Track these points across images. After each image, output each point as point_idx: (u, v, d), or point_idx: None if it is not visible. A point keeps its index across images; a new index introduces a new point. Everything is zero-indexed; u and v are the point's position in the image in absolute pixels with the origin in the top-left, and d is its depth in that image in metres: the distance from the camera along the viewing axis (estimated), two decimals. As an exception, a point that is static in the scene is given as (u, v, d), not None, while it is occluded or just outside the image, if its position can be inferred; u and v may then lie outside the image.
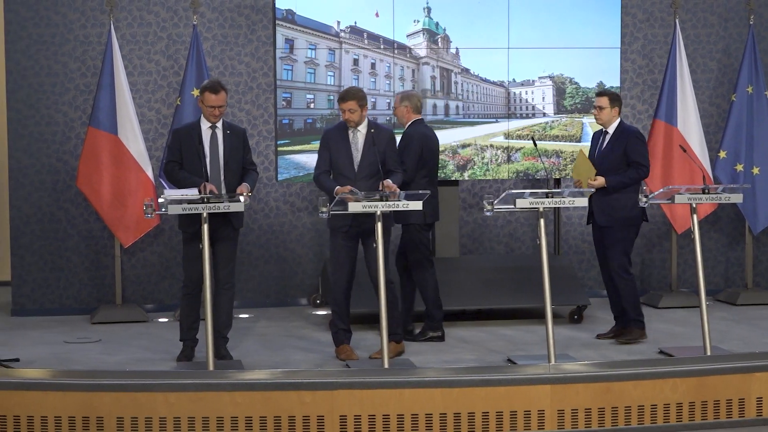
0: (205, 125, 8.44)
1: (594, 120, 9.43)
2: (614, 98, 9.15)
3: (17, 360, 8.38)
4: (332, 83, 10.05)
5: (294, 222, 10.94)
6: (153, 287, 10.75)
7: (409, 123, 9.17)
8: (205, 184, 8.11)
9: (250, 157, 8.66)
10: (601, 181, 8.95)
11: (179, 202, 7.78)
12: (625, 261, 9.16)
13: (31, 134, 10.50)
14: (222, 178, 8.33)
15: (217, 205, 7.82)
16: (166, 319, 10.04)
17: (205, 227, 7.80)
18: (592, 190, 8.70)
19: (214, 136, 8.41)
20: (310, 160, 9.83)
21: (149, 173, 10.10)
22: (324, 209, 7.89)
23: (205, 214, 7.79)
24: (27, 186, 10.52)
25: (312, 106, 10.06)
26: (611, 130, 9.15)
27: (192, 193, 7.93)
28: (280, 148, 10.01)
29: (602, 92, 9.27)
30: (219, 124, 8.44)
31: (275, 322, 10.01)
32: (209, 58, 10.58)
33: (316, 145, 9.28)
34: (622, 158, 9.03)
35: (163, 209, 7.76)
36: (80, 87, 10.55)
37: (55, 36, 10.50)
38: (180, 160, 8.40)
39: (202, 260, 7.88)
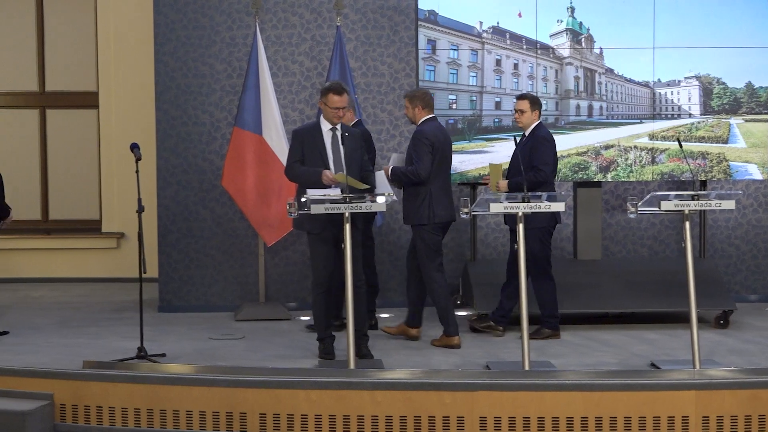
0: (325, 127, 8.47)
1: (744, 121, 9.25)
2: (534, 101, 9.21)
3: (164, 355, 8.56)
4: (474, 84, 10.03)
5: (435, 222, 10.94)
6: (295, 286, 10.87)
7: (352, 123, 9.34)
8: (324, 172, 8.18)
9: (367, 158, 8.71)
10: (503, 184, 9.03)
11: (322, 201, 7.82)
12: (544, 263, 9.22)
13: (178, 134, 10.73)
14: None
15: (359, 204, 7.84)
16: (308, 318, 10.13)
17: (347, 227, 7.80)
18: (499, 193, 8.77)
19: (335, 138, 8.43)
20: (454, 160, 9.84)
21: (293, 173, 10.22)
22: (465, 210, 7.88)
23: (347, 214, 7.81)
24: (174, 185, 10.74)
25: (454, 106, 10.06)
26: (528, 132, 9.22)
27: (334, 192, 7.98)
28: (421, 149, 10.02)
29: (523, 96, 9.31)
30: (338, 126, 8.49)
31: (415, 322, 10.02)
32: (352, 59, 10.66)
33: (460, 145, 9.30)
34: (528, 161, 9.01)
35: (306, 209, 7.82)
36: (226, 88, 10.74)
37: (203, 38, 10.71)
38: (302, 159, 8.43)
39: (344, 260, 7.88)
